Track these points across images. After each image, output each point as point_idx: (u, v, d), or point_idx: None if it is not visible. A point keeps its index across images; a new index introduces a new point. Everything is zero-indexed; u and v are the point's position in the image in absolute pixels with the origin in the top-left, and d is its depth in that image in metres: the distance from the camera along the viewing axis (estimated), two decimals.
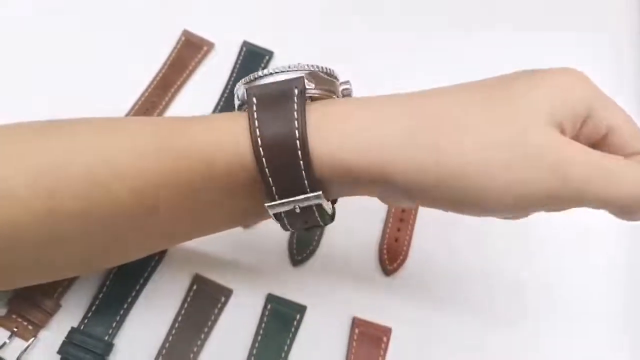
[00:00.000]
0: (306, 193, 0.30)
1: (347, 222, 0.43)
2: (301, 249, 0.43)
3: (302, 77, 0.30)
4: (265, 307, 0.40)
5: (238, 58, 0.49)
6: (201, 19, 0.50)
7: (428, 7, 0.55)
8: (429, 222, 0.45)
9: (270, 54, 0.50)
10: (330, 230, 0.44)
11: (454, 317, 0.42)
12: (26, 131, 0.31)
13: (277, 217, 0.31)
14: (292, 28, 0.51)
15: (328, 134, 0.29)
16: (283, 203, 0.30)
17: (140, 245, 0.34)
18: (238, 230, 0.42)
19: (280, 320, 0.40)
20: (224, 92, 0.48)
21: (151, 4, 0.50)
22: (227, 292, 0.40)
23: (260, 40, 0.50)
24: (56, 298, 0.38)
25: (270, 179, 0.29)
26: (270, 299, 0.40)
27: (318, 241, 0.43)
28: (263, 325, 0.39)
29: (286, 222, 0.32)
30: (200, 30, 0.50)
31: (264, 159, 0.29)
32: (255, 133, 0.29)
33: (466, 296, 0.42)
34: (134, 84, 0.46)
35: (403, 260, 0.43)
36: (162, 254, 0.41)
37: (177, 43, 0.49)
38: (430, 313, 0.42)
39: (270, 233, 0.43)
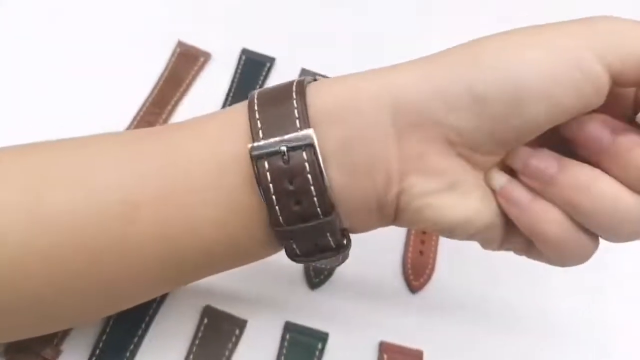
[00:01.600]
0: (296, 132, 0.26)
1: (366, 237, 0.40)
2: (318, 270, 0.39)
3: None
4: (283, 337, 0.37)
5: (237, 67, 0.46)
6: (195, 28, 0.47)
7: (429, 9, 0.51)
8: None
9: (271, 60, 0.46)
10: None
11: (490, 335, 0.38)
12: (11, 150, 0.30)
13: (260, 175, 0.26)
14: (293, 31, 0.48)
15: (328, 80, 0.28)
16: (268, 144, 0.26)
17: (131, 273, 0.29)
18: None
19: (301, 350, 0.36)
20: (224, 104, 0.45)
21: (141, 16, 0.47)
22: (242, 323, 0.37)
23: (260, 47, 0.47)
24: (56, 344, 0.35)
25: (257, 114, 0.27)
26: (289, 327, 0.37)
27: None
28: (282, 357, 0.36)
29: (272, 190, 0.26)
30: (195, 41, 0.46)
31: (255, 100, 0.28)
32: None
33: (502, 310, 0.39)
34: (127, 104, 0.43)
35: (430, 275, 0.40)
36: None
37: (172, 55, 0.46)
38: (464, 331, 0.38)
39: (284, 255, 0.39)
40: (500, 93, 0.25)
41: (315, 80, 0.29)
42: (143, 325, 0.36)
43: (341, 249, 0.29)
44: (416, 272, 0.40)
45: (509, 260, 0.40)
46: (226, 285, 0.38)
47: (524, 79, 0.25)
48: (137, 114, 0.43)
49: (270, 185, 0.26)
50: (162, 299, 0.37)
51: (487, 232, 0.29)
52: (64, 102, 0.43)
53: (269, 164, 0.26)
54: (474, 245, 0.40)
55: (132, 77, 0.44)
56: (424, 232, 0.41)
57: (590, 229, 0.27)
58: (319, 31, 0.48)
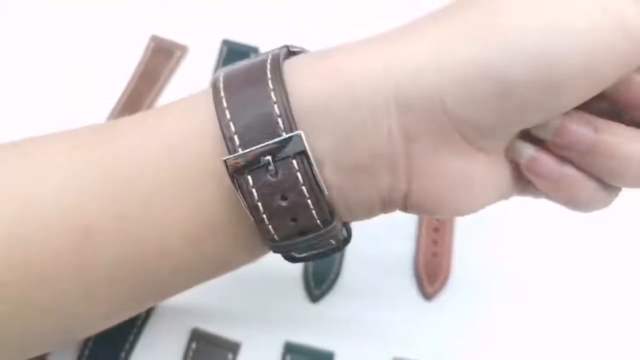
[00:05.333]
0: (280, 136, 0.21)
1: (372, 240, 0.36)
2: (320, 280, 0.35)
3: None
4: (283, 359, 0.32)
5: (219, 60, 0.42)
6: (170, 20, 0.43)
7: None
8: (469, 227, 0.37)
9: (255, 51, 0.42)
10: (352, 253, 0.36)
11: (521, 345, 0.34)
12: None
13: (245, 193, 0.22)
14: (276, 18, 0.43)
15: (307, 58, 0.23)
16: (248, 154, 0.21)
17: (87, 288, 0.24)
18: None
19: None
20: None
21: (111, 11, 0.43)
22: (235, 347, 0.32)
23: (242, 37, 0.42)
24: None
25: (228, 113, 0.22)
26: (289, 348, 0.33)
27: (339, 267, 0.35)
28: None
29: (262, 210, 0.22)
30: (171, 34, 0.42)
31: (222, 91, 0.22)
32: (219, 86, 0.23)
33: (532, 314, 0.34)
34: (98, 105, 0.39)
35: (445, 279, 0.35)
36: (149, 309, 0.33)
37: (145, 51, 0.41)
38: (490, 342, 0.34)
39: (280, 265, 0.35)
40: (530, 77, 0.20)
41: (292, 53, 0.24)
42: (123, 354, 0.32)
43: (343, 245, 0.25)
44: (430, 276, 0.35)
45: (535, 256, 0.36)
46: (215, 303, 0.34)
47: (560, 57, 0.20)
48: (110, 115, 0.39)
49: (259, 204, 0.22)
50: (144, 322, 0.33)
51: (501, 199, 0.25)
52: (27, 107, 0.39)
53: (253, 179, 0.22)
54: (492, 241, 0.36)
55: (101, 78, 0.40)
56: (435, 230, 0.36)
57: (618, 186, 0.24)
58: (304, 16, 0.44)
